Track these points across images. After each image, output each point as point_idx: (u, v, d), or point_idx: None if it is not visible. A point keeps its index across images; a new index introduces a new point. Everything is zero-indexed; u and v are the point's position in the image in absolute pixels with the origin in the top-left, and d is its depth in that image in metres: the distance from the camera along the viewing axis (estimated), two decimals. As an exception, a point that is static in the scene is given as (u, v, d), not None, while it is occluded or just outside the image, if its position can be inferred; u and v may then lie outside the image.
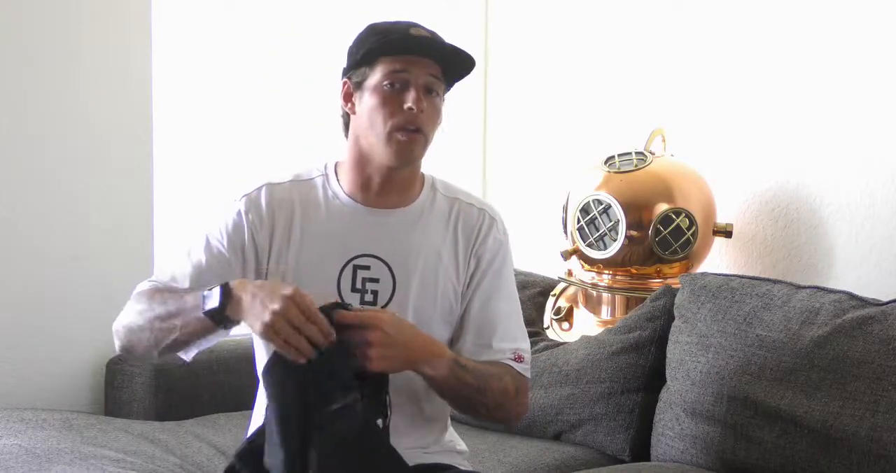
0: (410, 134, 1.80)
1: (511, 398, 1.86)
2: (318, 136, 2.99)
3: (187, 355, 1.87)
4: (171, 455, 2.22)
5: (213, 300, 1.69)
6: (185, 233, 2.58)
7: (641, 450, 2.35)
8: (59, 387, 2.62)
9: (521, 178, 3.35)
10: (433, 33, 1.85)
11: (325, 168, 1.93)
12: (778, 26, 2.73)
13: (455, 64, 1.85)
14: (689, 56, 2.92)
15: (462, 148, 3.40)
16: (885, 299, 2.13)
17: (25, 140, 2.57)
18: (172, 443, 2.29)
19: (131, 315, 1.83)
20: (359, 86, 1.84)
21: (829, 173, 2.65)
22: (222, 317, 1.69)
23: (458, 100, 3.36)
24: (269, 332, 1.62)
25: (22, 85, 2.56)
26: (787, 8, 2.71)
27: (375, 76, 1.81)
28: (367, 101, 1.82)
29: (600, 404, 2.38)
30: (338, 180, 1.90)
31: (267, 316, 1.62)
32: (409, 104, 1.78)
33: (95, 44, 2.64)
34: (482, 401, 1.83)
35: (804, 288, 2.21)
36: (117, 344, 1.87)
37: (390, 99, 1.80)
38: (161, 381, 2.56)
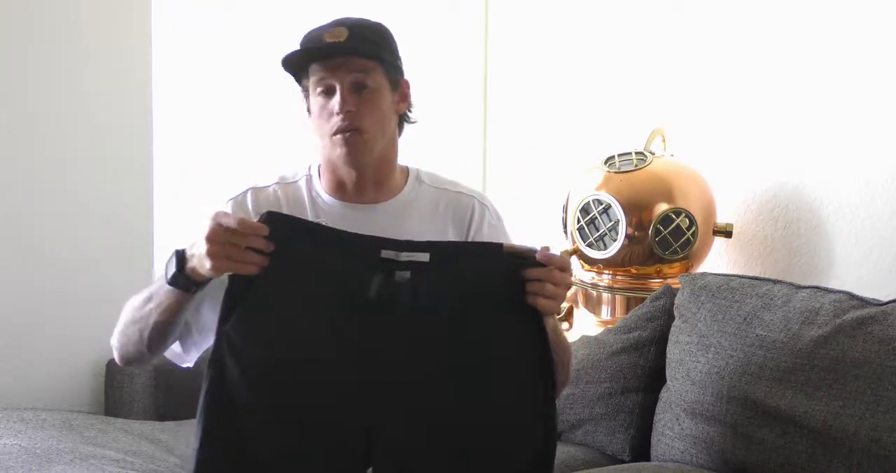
0: (348, 134, 1.83)
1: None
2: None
3: (189, 358, 1.87)
4: (171, 455, 2.22)
5: (172, 265, 1.67)
6: (184, 232, 2.58)
7: (641, 450, 2.34)
8: (59, 387, 2.62)
9: (521, 178, 3.35)
10: (353, 28, 1.84)
11: (309, 169, 1.97)
12: (777, 27, 2.73)
13: (384, 52, 1.87)
14: (689, 56, 2.92)
15: (462, 148, 3.40)
16: (885, 299, 2.12)
17: (25, 140, 2.57)
18: (172, 443, 2.29)
19: (119, 322, 1.83)
20: (307, 97, 1.90)
21: (829, 173, 2.64)
22: (184, 278, 1.66)
23: (458, 99, 3.41)
24: (214, 259, 1.57)
25: (22, 85, 2.56)
26: (787, 9, 2.71)
27: (311, 85, 1.87)
28: (312, 110, 1.89)
29: (600, 404, 2.38)
30: (320, 180, 1.95)
31: (203, 247, 1.59)
32: (335, 109, 1.83)
33: (95, 44, 2.65)
34: (565, 370, 1.87)
35: (804, 288, 2.21)
36: (116, 356, 1.87)
37: (324, 105, 1.86)
38: (161, 381, 2.56)
